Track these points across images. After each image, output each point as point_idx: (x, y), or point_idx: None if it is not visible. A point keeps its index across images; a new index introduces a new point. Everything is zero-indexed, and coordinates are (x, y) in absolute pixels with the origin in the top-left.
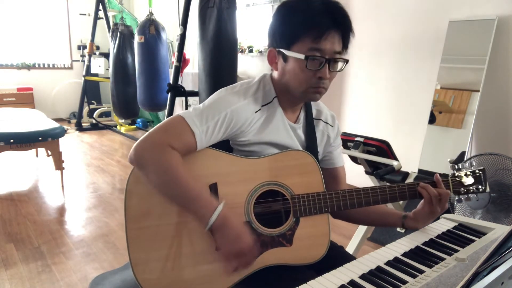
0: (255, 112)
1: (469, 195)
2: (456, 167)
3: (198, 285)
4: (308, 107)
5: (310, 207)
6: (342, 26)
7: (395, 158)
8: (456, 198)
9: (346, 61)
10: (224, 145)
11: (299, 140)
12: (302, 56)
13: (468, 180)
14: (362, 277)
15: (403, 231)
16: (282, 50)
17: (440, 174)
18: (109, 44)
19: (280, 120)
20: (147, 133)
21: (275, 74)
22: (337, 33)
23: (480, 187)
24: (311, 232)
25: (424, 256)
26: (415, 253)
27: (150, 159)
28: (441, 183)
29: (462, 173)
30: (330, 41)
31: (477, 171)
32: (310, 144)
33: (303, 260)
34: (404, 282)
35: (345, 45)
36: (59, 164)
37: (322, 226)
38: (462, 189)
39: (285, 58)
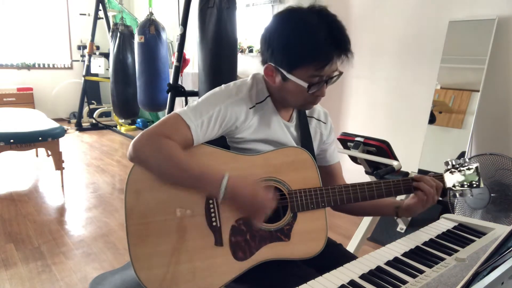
0: (249, 108)
1: (464, 190)
2: (450, 163)
3: (198, 279)
4: None
5: (307, 202)
6: (345, 51)
7: (395, 158)
8: (451, 194)
9: (341, 73)
10: (221, 144)
11: (294, 138)
12: (304, 84)
13: (462, 176)
14: (362, 277)
15: (403, 231)
16: (282, 70)
17: (439, 174)
18: (109, 44)
19: (274, 118)
20: (143, 130)
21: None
22: (339, 56)
23: (474, 182)
24: (308, 227)
25: (424, 256)
26: (415, 253)
27: (149, 151)
28: (432, 178)
29: (456, 169)
30: (331, 65)
31: (471, 166)
32: (305, 142)
33: (301, 254)
34: (404, 282)
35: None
36: (59, 164)
37: (319, 221)
38: (456, 184)
39: (285, 78)
